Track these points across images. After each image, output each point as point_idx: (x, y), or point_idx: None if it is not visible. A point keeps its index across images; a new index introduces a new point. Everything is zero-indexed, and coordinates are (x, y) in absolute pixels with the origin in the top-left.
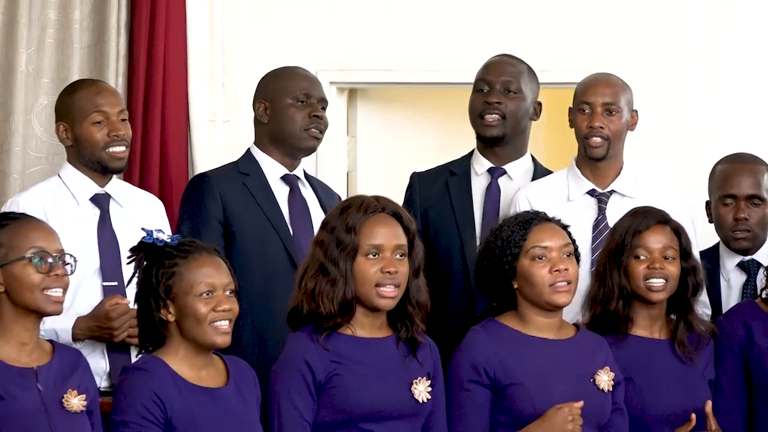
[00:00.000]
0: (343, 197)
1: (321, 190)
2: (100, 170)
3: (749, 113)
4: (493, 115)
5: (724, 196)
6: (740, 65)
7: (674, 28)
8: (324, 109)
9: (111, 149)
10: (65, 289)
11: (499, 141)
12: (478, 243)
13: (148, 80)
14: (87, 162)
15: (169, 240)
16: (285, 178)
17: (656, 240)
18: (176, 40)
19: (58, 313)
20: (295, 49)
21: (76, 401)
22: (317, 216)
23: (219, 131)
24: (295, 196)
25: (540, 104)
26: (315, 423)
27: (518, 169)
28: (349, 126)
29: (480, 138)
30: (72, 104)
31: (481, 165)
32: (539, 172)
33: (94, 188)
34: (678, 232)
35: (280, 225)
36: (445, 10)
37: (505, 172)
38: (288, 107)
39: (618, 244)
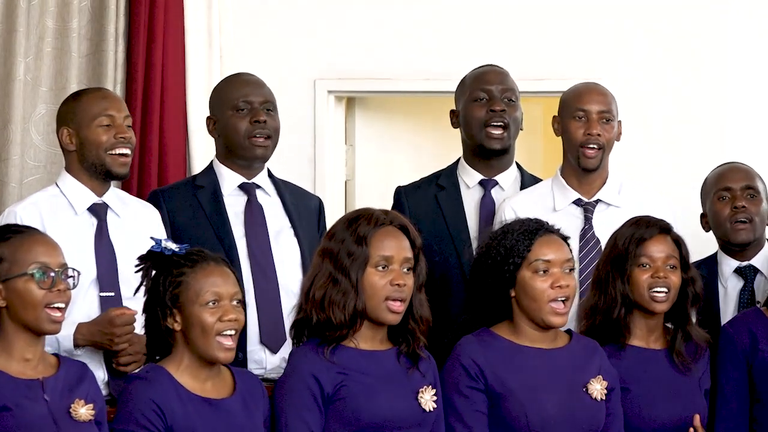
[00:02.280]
0: (341, 206)
1: (290, 193)
2: (103, 175)
3: (744, 126)
4: (499, 128)
5: (720, 190)
6: (736, 77)
7: (670, 39)
8: (270, 111)
9: (116, 150)
10: (67, 304)
11: (503, 152)
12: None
13: (147, 89)
14: (90, 166)
15: (177, 249)
16: (242, 187)
17: (659, 249)
18: (174, 49)
19: (56, 332)
20: (292, 58)
21: (83, 411)
22: (278, 221)
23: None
24: (251, 204)
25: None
26: None
27: (508, 179)
28: (347, 135)
29: (483, 150)
30: (78, 108)
31: (471, 177)
32: (527, 179)
33: (92, 198)
34: (679, 242)
35: (226, 236)
36: (443, 20)
37: (497, 183)
38: (230, 118)
39: (620, 253)
